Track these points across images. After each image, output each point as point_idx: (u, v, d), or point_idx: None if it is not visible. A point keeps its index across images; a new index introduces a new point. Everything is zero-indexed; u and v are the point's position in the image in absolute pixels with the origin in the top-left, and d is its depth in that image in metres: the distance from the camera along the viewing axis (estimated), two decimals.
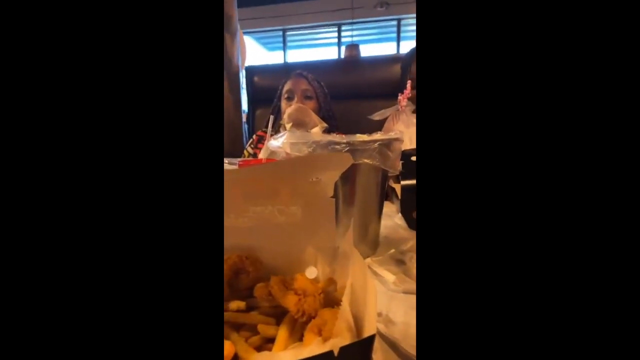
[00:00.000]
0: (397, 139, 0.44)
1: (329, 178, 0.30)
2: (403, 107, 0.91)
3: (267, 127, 0.83)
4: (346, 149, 0.39)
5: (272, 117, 0.81)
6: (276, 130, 0.98)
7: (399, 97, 0.92)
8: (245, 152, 1.06)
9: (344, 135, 0.43)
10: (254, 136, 1.07)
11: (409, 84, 0.92)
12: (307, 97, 0.99)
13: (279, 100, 1.03)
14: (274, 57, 4.90)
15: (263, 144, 0.93)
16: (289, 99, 0.99)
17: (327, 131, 0.89)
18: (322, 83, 1.03)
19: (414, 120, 0.88)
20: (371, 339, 0.19)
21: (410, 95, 0.91)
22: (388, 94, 1.08)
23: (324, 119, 1.01)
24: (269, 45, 4.83)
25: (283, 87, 1.02)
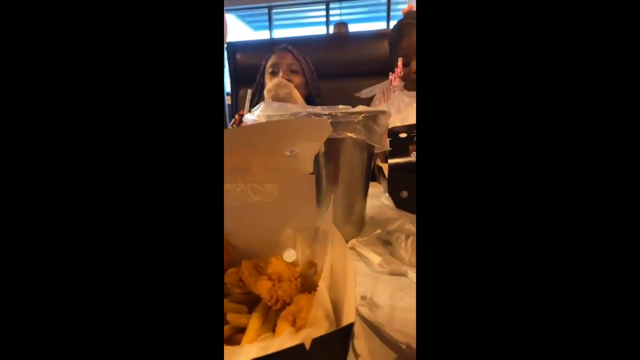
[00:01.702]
0: (383, 112, 0.41)
1: (307, 151, 0.27)
2: (395, 87, 0.87)
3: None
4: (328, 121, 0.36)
5: (249, 92, 0.74)
6: None
7: (390, 77, 0.88)
8: None
9: (326, 107, 0.39)
10: (236, 116, 1.02)
11: (399, 61, 0.87)
12: (293, 72, 0.93)
13: (262, 76, 0.97)
14: (260, 37, 4.71)
15: None
16: (274, 73, 0.93)
17: None
18: (308, 59, 0.98)
19: (406, 100, 0.83)
20: (349, 328, 0.16)
21: (402, 73, 0.87)
22: (377, 71, 1.03)
23: (310, 95, 0.97)
24: (254, 24, 4.62)
25: (267, 62, 0.96)
